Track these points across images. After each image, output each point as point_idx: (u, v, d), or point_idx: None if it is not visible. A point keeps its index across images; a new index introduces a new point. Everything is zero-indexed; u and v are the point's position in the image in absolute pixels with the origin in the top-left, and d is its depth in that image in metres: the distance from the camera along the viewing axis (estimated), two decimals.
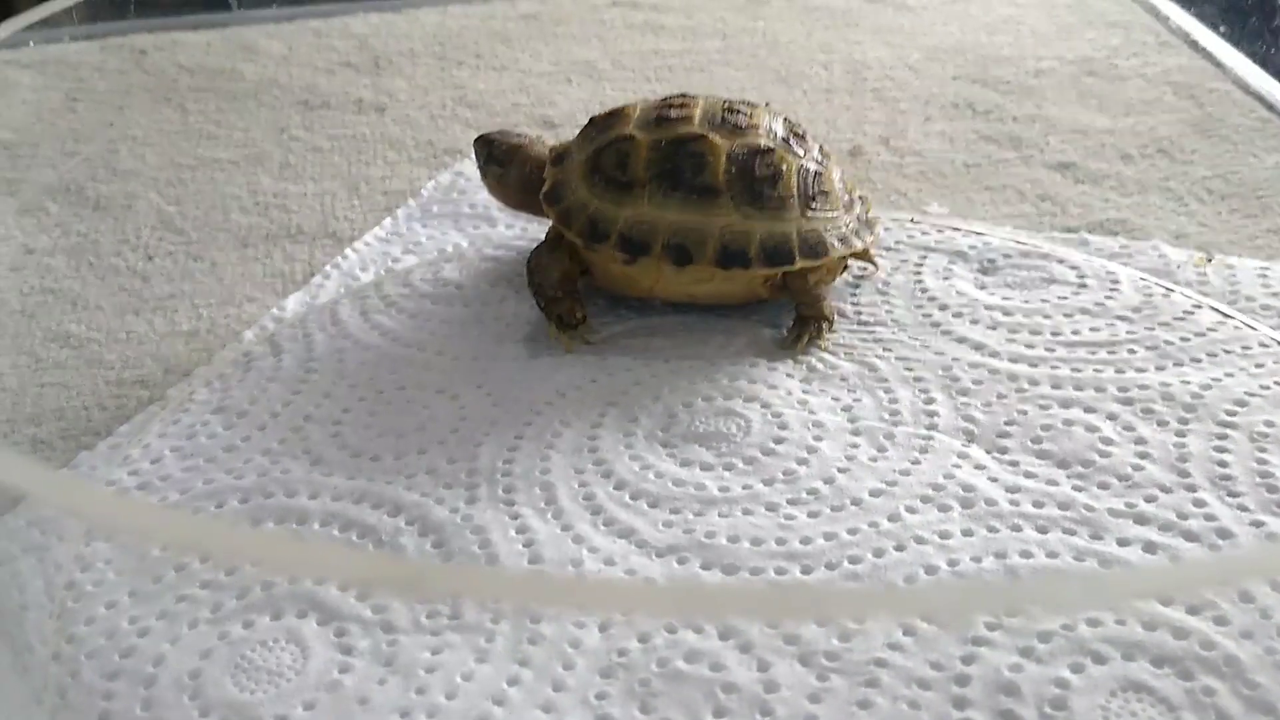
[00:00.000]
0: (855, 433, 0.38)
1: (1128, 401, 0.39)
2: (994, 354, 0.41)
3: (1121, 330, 0.42)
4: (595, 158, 0.43)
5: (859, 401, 0.40)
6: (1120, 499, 0.35)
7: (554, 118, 0.62)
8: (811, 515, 0.35)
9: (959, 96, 0.63)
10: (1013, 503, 0.35)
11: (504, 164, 0.46)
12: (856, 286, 0.46)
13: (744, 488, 0.36)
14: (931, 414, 0.39)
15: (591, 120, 0.44)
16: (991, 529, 0.34)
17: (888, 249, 0.48)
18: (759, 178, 0.41)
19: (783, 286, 0.43)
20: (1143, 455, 0.37)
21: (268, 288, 0.48)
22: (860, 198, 0.45)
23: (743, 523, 0.35)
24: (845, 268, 0.45)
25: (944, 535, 0.34)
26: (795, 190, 0.42)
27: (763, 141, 0.42)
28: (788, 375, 0.41)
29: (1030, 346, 0.42)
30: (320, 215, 0.53)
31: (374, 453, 0.38)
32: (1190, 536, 0.33)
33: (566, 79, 0.67)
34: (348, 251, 0.50)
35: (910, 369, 0.41)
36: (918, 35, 0.70)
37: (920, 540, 0.34)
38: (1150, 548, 0.33)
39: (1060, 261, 0.47)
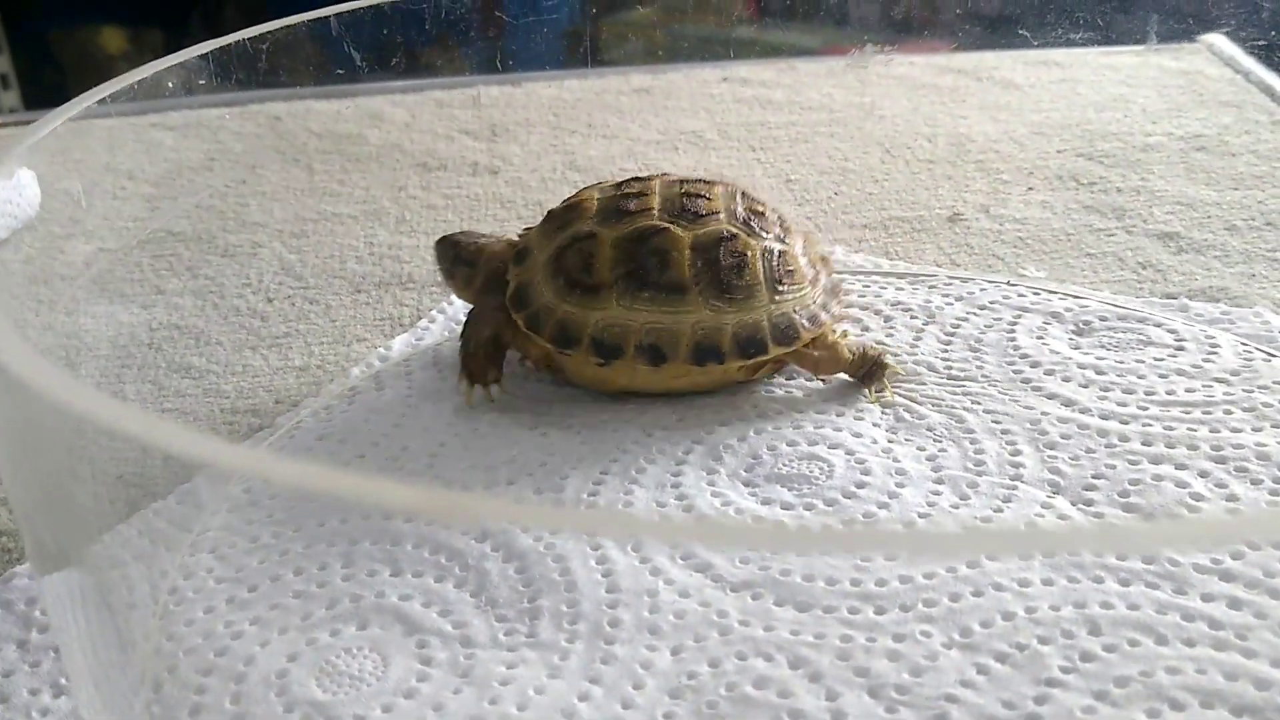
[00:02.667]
0: (938, 481, 0.38)
1: (1221, 460, 0.38)
2: (1084, 410, 0.41)
3: (1218, 392, 0.42)
4: (558, 258, 0.42)
5: (944, 451, 0.40)
6: (1206, 555, 0.34)
7: None
8: (889, 558, 0.35)
9: (1062, 169, 0.63)
10: (1096, 554, 0.35)
11: (473, 264, 0.45)
12: (948, 343, 0.46)
13: (822, 529, 0.36)
14: (1017, 465, 0.39)
15: (550, 213, 0.44)
16: (1072, 579, 0.34)
17: (981, 308, 0.48)
18: (725, 267, 0.41)
19: (760, 367, 0.43)
20: (1233, 512, 0.36)
21: (377, 330, 0.50)
22: (822, 258, 0.45)
23: (819, 562, 0.35)
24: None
25: (1023, 583, 0.34)
26: (762, 275, 0.41)
27: (725, 228, 0.42)
28: (874, 424, 0.41)
29: (1122, 404, 0.41)
30: (430, 266, 0.55)
31: (465, 482, 0.40)
32: (1276, 594, 0.33)
33: (674, 147, 0.69)
34: (453, 298, 0.52)
35: (998, 422, 0.41)
36: (1025, 112, 0.71)
37: (999, 587, 0.34)
38: (1235, 604, 0.32)
39: (1158, 325, 0.46)
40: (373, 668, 0.32)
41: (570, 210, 0.44)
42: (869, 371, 0.43)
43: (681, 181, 0.43)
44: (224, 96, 0.71)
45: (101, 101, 0.35)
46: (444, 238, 0.46)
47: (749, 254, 0.42)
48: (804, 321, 0.42)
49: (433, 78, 0.77)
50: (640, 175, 0.44)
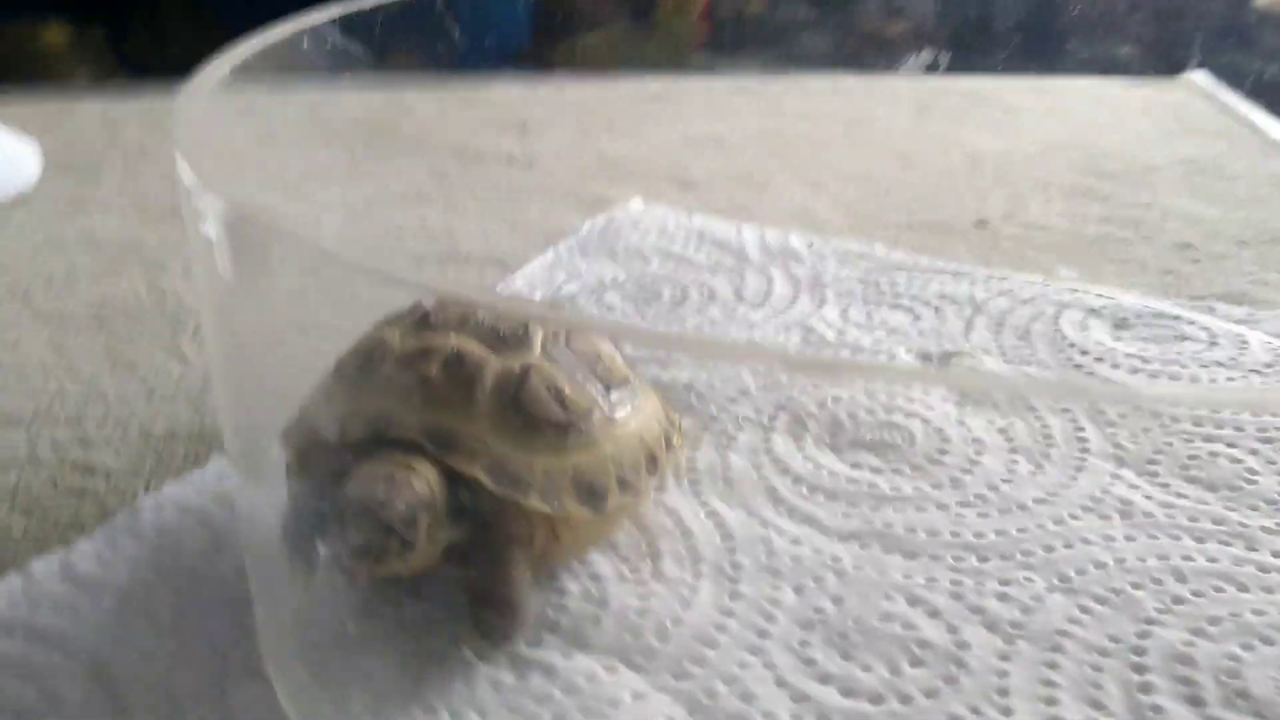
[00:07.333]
0: (1013, 451, 0.41)
1: (1268, 440, 0.42)
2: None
3: (1255, 382, 0.45)
4: (512, 398, 0.32)
5: (1012, 425, 0.42)
6: (1271, 519, 0.37)
7: (692, 178, 0.66)
8: (981, 515, 0.37)
9: (1074, 184, 0.66)
10: (1169, 516, 0.37)
11: (412, 522, 0.30)
12: (998, 332, 0.49)
13: (914, 489, 0.39)
14: (1083, 440, 0.42)
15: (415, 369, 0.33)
16: (1151, 535, 0.37)
17: (1024, 301, 0.51)
18: (598, 377, 0.35)
19: None
20: None
21: None
22: None
23: (917, 518, 0.37)
24: None
25: (1108, 539, 0.36)
26: (630, 375, 0.36)
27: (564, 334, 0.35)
28: (942, 399, 0.44)
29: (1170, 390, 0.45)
30: (485, 245, 0.57)
31: None
32: None
33: (698, 148, 0.71)
34: (516, 276, 0.53)
35: (1059, 401, 0.44)
36: (1029, 131, 0.75)
37: (1086, 541, 0.36)
38: None
39: (1190, 322, 0.50)
40: None
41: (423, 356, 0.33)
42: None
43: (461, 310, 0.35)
44: (265, 84, 0.72)
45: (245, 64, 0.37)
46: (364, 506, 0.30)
47: (604, 353, 0.36)
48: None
49: (458, 72, 0.78)
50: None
